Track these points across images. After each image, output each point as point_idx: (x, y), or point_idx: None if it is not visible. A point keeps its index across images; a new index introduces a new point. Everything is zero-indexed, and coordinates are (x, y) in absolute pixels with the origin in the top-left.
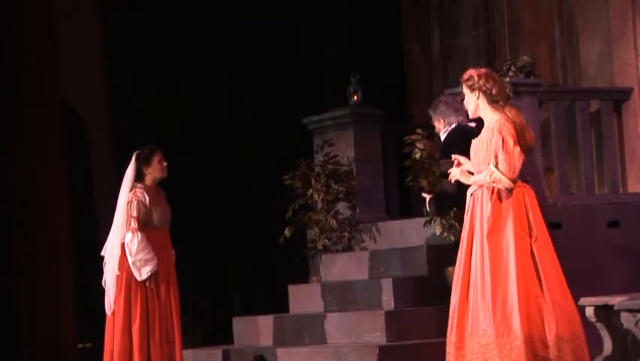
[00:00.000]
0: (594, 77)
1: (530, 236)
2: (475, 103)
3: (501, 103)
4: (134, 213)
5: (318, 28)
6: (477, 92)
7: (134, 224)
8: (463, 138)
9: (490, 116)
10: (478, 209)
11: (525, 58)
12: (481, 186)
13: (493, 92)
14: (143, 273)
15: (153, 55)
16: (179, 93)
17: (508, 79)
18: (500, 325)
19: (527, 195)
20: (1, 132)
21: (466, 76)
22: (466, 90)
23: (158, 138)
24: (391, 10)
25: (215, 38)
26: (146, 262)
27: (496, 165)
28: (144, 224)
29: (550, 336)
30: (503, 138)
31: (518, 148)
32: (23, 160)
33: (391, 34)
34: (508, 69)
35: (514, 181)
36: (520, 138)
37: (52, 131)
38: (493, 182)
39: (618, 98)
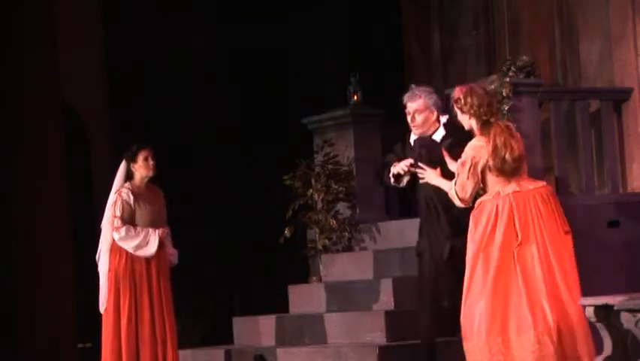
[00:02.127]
0: (594, 77)
1: (516, 241)
2: (468, 123)
3: (492, 120)
4: (118, 213)
5: (318, 28)
6: (467, 114)
7: (117, 223)
8: (462, 134)
9: (477, 134)
10: (485, 220)
11: (525, 58)
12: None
13: (481, 110)
14: (151, 247)
15: (153, 55)
16: (178, 93)
17: (508, 79)
18: (538, 323)
19: (515, 200)
20: (1, 132)
21: (454, 98)
22: (457, 111)
23: (158, 138)
24: (391, 10)
25: (215, 38)
26: (145, 238)
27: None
28: (129, 223)
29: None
30: (465, 160)
31: (473, 172)
32: (23, 160)
33: (391, 34)
34: (508, 69)
35: (464, 202)
36: (490, 158)
37: (52, 131)
38: (452, 196)
39: (618, 98)
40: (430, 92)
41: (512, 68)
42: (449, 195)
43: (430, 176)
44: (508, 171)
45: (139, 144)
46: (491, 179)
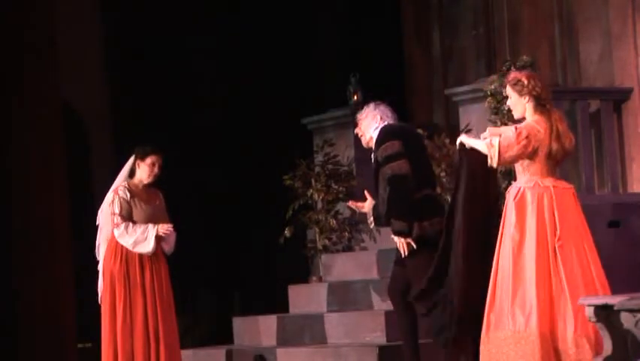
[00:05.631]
0: (594, 77)
1: (555, 236)
2: (523, 107)
3: (548, 106)
4: (116, 210)
5: (318, 28)
6: (527, 96)
7: (117, 220)
8: (398, 132)
9: (530, 118)
10: (507, 207)
11: (525, 58)
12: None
13: (543, 95)
14: (149, 245)
15: (153, 55)
16: (179, 93)
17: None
18: (518, 320)
19: (555, 195)
20: (1, 132)
21: (513, 80)
22: (512, 94)
23: (158, 138)
24: (391, 10)
25: (215, 38)
26: (143, 233)
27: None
28: (129, 220)
29: (569, 333)
30: (520, 130)
31: (525, 144)
32: (23, 160)
33: (391, 34)
34: (508, 69)
35: (499, 158)
36: (554, 142)
37: (52, 131)
38: (488, 145)
39: (618, 98)
40: (377, 104)
41: (512, 68)
42: (485, 148)
43: (462, 138)
44: (557, 161)
45: (154, 147)
46: (535, 166)
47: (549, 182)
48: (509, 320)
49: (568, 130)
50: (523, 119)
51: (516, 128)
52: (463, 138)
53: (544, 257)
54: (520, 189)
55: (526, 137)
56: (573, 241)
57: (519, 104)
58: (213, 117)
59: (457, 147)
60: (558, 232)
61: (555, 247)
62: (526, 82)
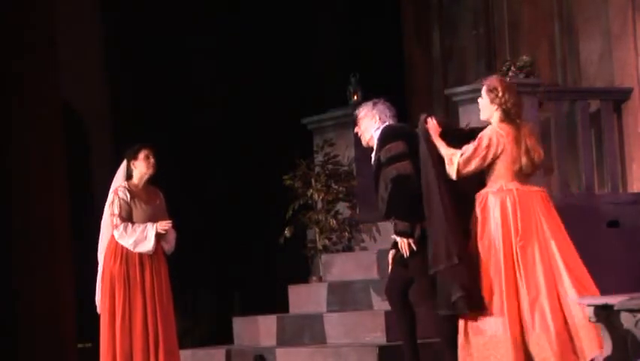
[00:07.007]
0: (594, 77)
1: (517, 237)
2: (490, 113)
3: (518, 121)
4: (116, 211)
5: (318, 28)
6: (496, 105)
7: (116, 221)
8: (401, 133)
9: (495, 125)
10: (474, 215)
11: (525, 58)
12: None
13: (512, 111)
14: (149, 243)
15: (153, 55)
16: (179, 93)
17: (508, 79)
18: (493, 325)
19: (519, 197)
20: (1, 132)
21: (490, 85)
22: (485, 97)
23: (158, 138)
24: (391, 10)
25: (215, 38)
26: (143, 232)
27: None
28: (128, 221)
29: (531, 334)
30: (481, 140)
31: (484, 155)
32: (24, 160)
33: (391, 34)
34: (508, 69)
35: (457, 173)
36: (523, 156)
37: (52, 131)
38: (448, 161)
39: (618, 98)
40: (375, 103)
41: (512, 68)
42: (446, 161)
43: (432, 129)
44: (527, 174)
45: (141, 143)
46: (499, 171)
47: (513, 185)
48: (487, 325)
49: (537, 144)
50: (488, 123)
51: (478, 141)
52: (433, 135)
53: (510, 260)
54: (484, 195)
55: (487, 145)
56: (537, 241)
57: (488, 109)
58: (213, 117)
59: (424, 129)
60: (520, 232)
61: (517, 249)
62: (500, 93)
